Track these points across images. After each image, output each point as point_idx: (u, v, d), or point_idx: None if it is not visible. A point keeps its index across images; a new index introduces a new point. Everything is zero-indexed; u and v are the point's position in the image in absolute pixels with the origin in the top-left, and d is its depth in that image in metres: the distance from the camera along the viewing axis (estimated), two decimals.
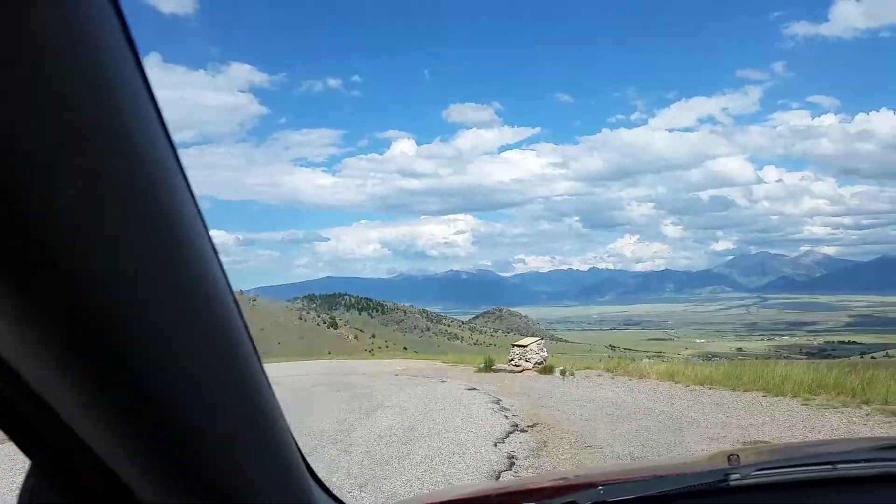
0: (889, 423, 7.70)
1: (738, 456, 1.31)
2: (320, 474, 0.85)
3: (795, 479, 1.19)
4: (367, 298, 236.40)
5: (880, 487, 1.20)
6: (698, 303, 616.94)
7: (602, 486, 1.19)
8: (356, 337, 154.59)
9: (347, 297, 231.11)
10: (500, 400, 11.22)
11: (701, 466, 1.34)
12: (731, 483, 1.16)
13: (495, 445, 7.35)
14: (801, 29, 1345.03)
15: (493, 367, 17.87)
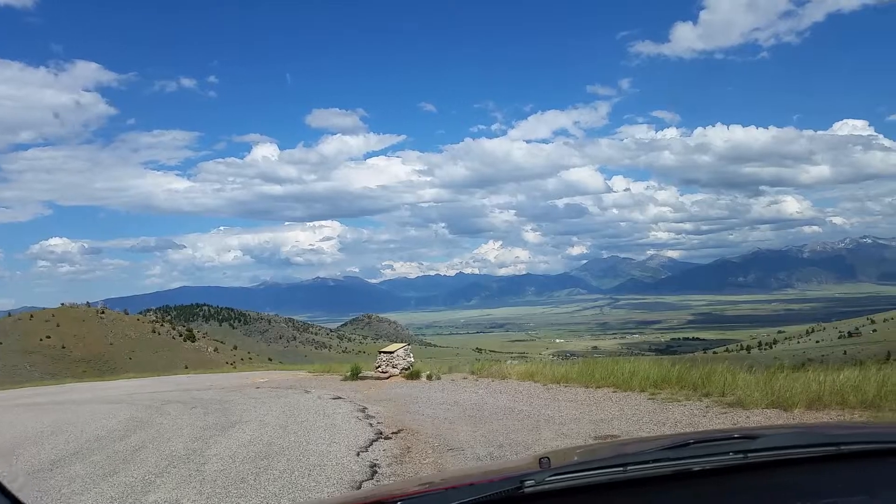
0: (725, 413, 8.33)
1: (548, 459, 1.31)
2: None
3: (588, 482, 1.19)
4: (228, 308, 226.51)
5: (668, 487, 1.21)
6: (557, 305, 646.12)
7: (401, 500, 1.19)
8: (216, 349, 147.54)
9: (206, 308, 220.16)
10: (365, 408, 11.10)
11: (509, 472, 1.34)
12: (526, 490, 1.15)
13: (358, 455, 7.24)
14: (646, 48, 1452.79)
15: (360, 375, 17.68)
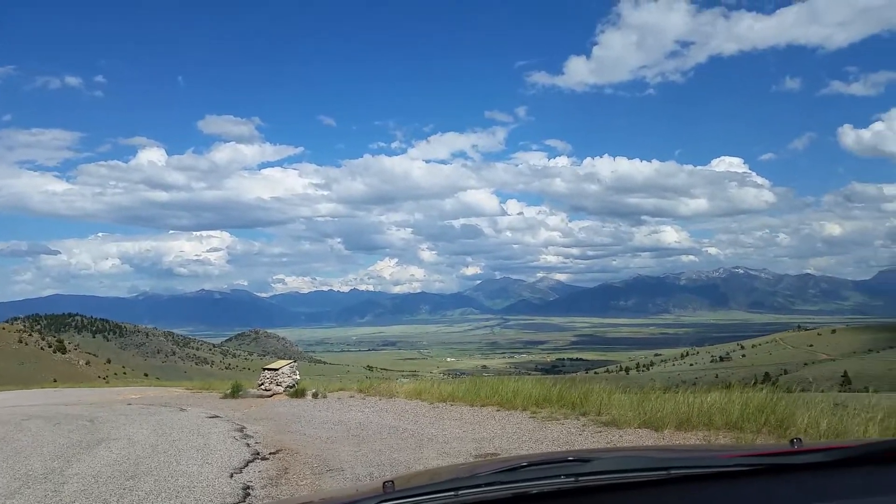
0: (600, 432, 8.60)
1: (392, 483, 1.30)
2: None
3: None
4: (104, 319, 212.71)
5: None
6: (450, 324, 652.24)
7: None
8: (88, 362, 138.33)
9: (79, 318, 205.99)
10: (243, 427, 10.66)
11: (349, 498, 1.30)
12: None
13: (231, 476, 6.91)
14: (541, 78, 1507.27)
15: (242, 393, 17.02)
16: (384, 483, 1.25)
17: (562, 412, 10.16)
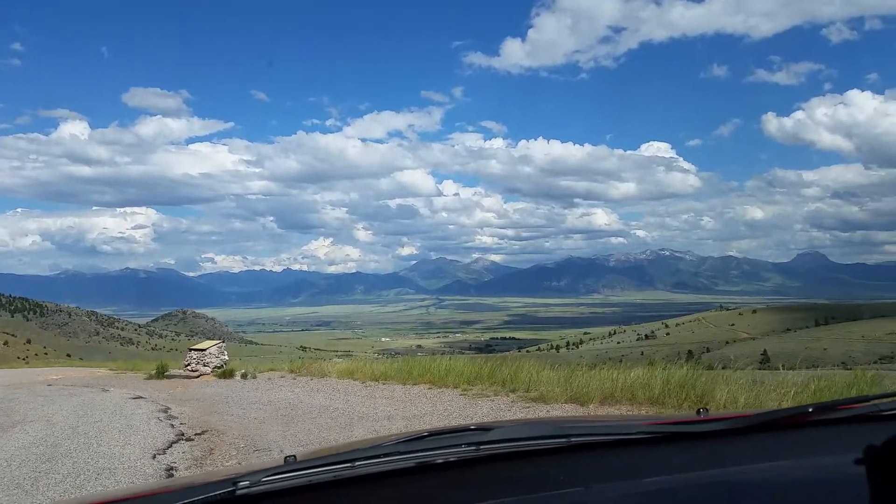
0: (528, 407, 8.80)
1: (294, 457, 1.28)
2: None
3: (310, 482, 1.13)
4: (23, 298, 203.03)
5: (399, 482, 1.19)
6: (385, 304, 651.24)
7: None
8: (6, 343, 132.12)
9: None
10: (168, 408, 10.41)
11: (251, 469, 1.25)
12: (239, 492, 1.09)
13: (154, 457, 6.74)
14: (477, 59, 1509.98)
15: (168, 374, 16.65)
16: (286, 457, 1.23)
17: (492, 389, 10.33)
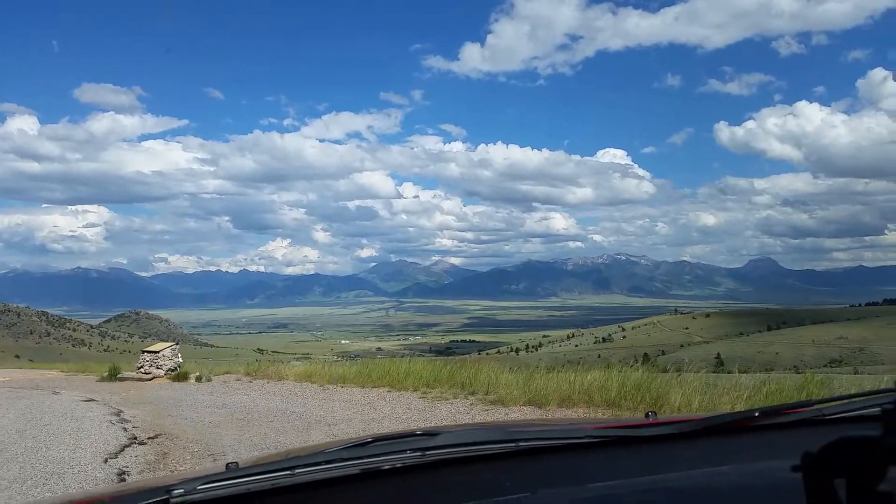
0: (487, 410, 8.85)
1: (237, 464, 1.25)
2: None
3: (247, 490, 1.10)
4: None
5: (341, 489, 1.16)
6: (344, 306, 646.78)
7: None
8: None
9: None
10: (120, 411, 10.17)
11: (191, 476, 1.21)
12: (173, 501, 1.06)
13: (106, 461, 6.59)
14: (437, 63, 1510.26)
15: (120, 376, 16.26)
16: (227, 464, 1.21)
17: (451, 392, 10.35)
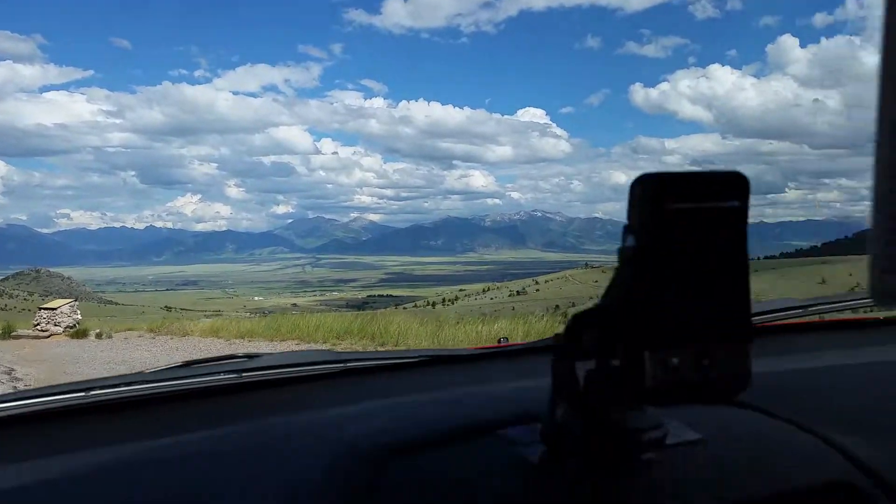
0: None
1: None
2: None
3: (41, 409, 0.99)
4: None
5: (140, 411, 1.07)
6: (258, 263, 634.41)
7: None
8: None
9: None
10: (12, 370, 9.70)
11: None
12: None
13: None
14: (358, 16, 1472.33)
15: (15, 334, 15.49)
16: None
17: (361, 343, 10.43)
